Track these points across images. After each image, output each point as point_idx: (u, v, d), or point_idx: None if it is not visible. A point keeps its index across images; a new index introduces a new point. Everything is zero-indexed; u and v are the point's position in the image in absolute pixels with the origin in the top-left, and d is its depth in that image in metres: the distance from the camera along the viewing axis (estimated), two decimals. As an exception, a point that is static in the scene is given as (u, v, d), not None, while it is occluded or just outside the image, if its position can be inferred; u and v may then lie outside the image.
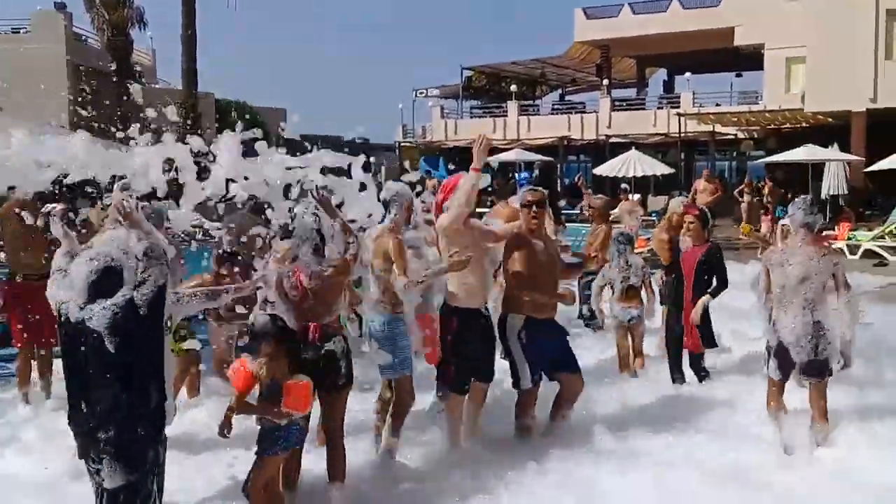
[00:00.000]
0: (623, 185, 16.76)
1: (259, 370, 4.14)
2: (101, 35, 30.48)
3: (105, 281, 3.55)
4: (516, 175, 10.39)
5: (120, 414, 3.49)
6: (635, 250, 8.07)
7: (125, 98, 25.85)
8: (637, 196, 26.83)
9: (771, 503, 4.58)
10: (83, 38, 31.69)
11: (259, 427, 4.24)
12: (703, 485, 4.68)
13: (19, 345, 6.72)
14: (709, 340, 6.68)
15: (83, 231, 6.09)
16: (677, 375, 6.81)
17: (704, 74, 38.19)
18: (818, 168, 23.29)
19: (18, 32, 30.22)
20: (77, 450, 3.64)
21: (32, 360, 6.76)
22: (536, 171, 33.10)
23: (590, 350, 7.79)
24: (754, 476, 4.84)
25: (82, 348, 3.51)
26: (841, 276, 5.20)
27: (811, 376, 5.25)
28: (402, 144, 41.05)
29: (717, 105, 32.83)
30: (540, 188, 5.74)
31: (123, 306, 3.51)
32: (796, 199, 5.44)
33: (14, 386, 6.83)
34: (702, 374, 6.76)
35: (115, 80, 29.01)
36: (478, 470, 4.96)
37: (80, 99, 20.42)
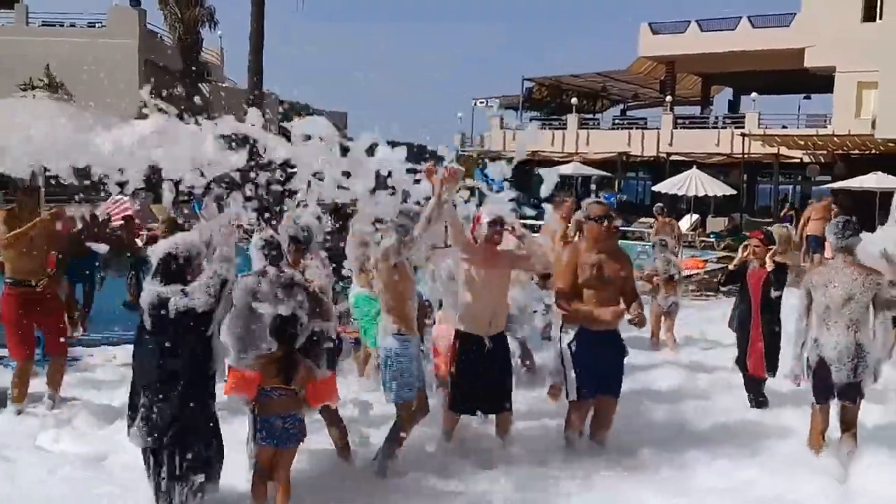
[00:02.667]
0: (658, 205, 16.64)
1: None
2: (173, 32, 31.29)
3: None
4: (602, 196, 10.35)
5: None
6: (689, 271, 8.18)
7: (194, 97, 26.43)
8: (696, 216, 26.45)
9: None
10: (157, 35, 32.62)
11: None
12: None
13: (17, 358, 6.36)
14: (773, 367, 6.50)
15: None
16: (756, 398, 6.62)
17: (771, 95, 37.42)
18: (886, 196, 22.58)
19: (94, 27, 31.23)
20: None
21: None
22: (593, 186, 32.92)
23: (647, 372, 7.65)
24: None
25: None
26: (882, 295, 5.26)
27: (847, 399, 5.27)
28: (461, 153, 41.09)
29: (784, 127, 32.13)
30: (602, 201, 5.73)
31: None
32: (830, 224, 5.52)
33: None
34: (761, 399, 6.58)
35: (184, 77, 29.68)
36: (519, 483, 4.91)
37: (151, 94, 20.92)
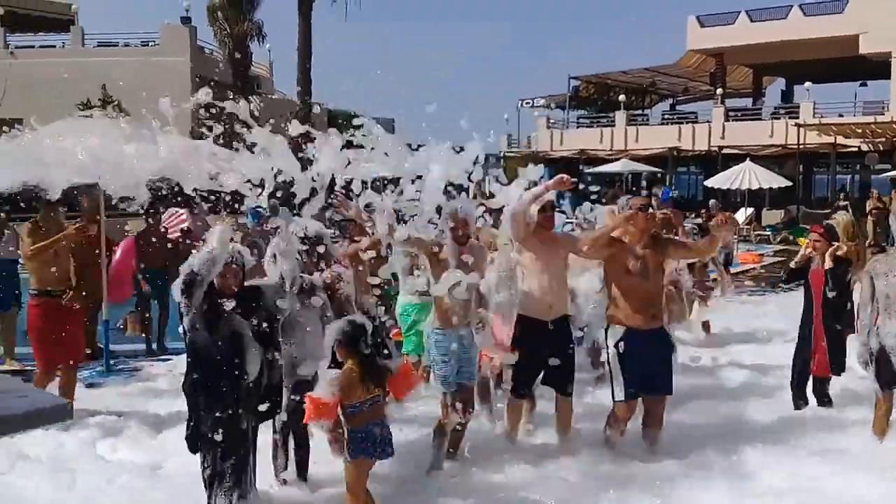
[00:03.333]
0: (712, 201, 16.28)
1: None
2: (223, 48, 31.95)
3: None
4: (655, 191, 10.24)
5: None
6: (745, 266, 8.00)
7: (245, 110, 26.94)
8: (751, 210, 25.93)
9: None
10: (208, 51, 33.37)
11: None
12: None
13: (40, 367, 6.51)
14: (838, 366, 6.30)
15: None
16: (800, 400, 6.46)
17: (826, 84, 36.51)
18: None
19: (147, 45, 32.10)
20: None
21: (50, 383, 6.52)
22: (644, 183, 32.54)
23: (703, 370, 7.56)
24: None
25: None
26: None
27: None
28: (507, 154, 41.08)
29: (840, 116, 31.30)
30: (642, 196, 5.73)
31: None
32: (894, 212, 5.46)
33: None
34: (825, 399, 6.39)
35: (235, 91, 30.28)
36: (564, 479, 4.93)
37: (202, 110, 21.42)
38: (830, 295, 6.13)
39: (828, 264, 6.14)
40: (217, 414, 4.08)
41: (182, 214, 12.04)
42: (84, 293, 6.81)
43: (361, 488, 4.15)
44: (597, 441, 5.52)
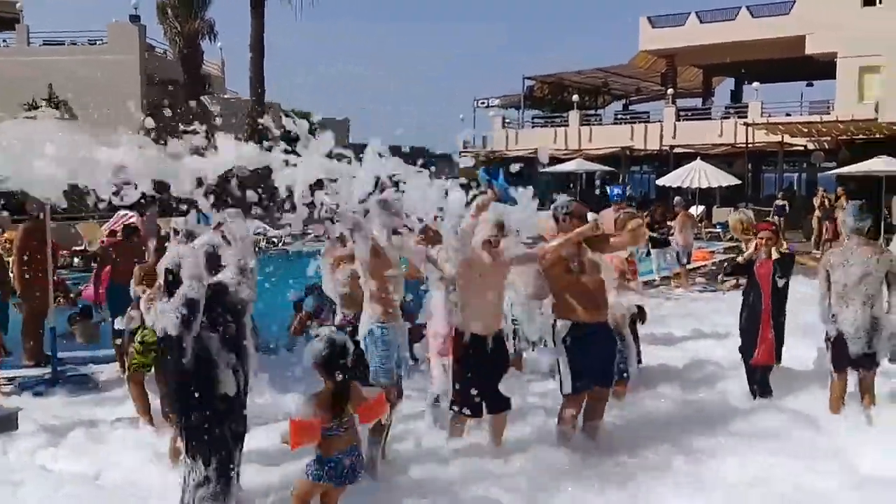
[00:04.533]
0: (677, 198, 16.50)
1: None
2: (174, 46, 31.42)
3: None
4: (608, 189, 10.31)
5: None
6: (697, 263, 8.02)
7: (196, 108, 26.58)
8: (702, 208, 26.37)
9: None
10: (156, 49, 32.74)
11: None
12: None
13: None
14: (778, 356, 6.71)
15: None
16: (763, 387, 6.65)
17: (773, 84, 37.31)
18: (892, 180, 22.52)
19: (95, 44, 31.38)
20: None
21: None
22: (598, 182, 32.88)
23: (655, 364, 7.65)
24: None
25: None
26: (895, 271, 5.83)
27: (863, 367, 5.94)
28: (463, 154, 41.12)
29: (787, 115, 32.02)
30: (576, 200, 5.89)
31: None
32: (847, 206, 6.13)
33: None
34: (765, 388, 6.62)
35: (185, 90, 29.80)
36: (514, 481, 4.92)
37: (150, 110, 21.12)
38: (780, 283, 6.53)
39: (775, 255, 6.55)
40: (205, 423, 4.02)
41: (131, 216, 11.83)
42: (29, 298, 6.64)
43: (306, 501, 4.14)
44: (547, 437, 5.56)
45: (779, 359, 6.74)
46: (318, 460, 4.06)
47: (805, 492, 4.76)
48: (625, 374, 6.61)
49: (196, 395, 4.02)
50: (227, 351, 4.07)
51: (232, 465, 4.14)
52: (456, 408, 5.43)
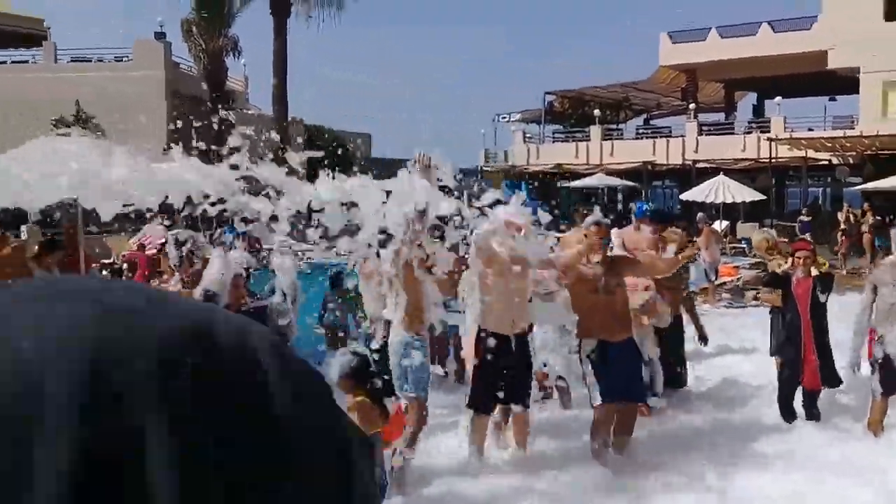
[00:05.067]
0: (700, 214, 16.37)
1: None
2: (198, 63, 31.77)
3: None
4: (633, 204, 10.31)
5: None
6: (724, 279, 7.96)
7: (221, 125, 26.88)
8: (726, 223, 26.21)
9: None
10: (181, 66, 33.16)
11: None
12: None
13: None
14: (831, 378, 6.44)
15: None
16: (789, 414, 6.51)
17: (796, 98, 37.11)
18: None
19: (121, 61, 31.84)
20: None
21: None
22: (620, 197, 32.78)
23: (690, 385, 7.60)
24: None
25: None
26: None
27: None
28: (485, 169, 41.21)
29: (810, 130, 31.80)
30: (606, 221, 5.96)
31: None
32: None
33: None
34: (814, 412, 6.45)
35: (210, 106, 30.13)
36: (543, 496, 4.90)
37: (177, 125, 21.40)
38: (822, 297, 6.36)
39: (815, 272, 6.44)
40: None
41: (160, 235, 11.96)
42: None
43: None
44: (577, 452, 5.55)
45: (838, 381, 6.47)
46: None
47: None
48: (652, 391, 6.61)
49: None
50: None
51: None
52: (473, 407, 5.46)
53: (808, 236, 20.91)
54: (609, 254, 5.84)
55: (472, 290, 5.58)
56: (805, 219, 24.31)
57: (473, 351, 5.53)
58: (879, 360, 5.84)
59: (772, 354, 7.43)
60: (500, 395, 5.46)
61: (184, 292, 5.59)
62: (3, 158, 6.86)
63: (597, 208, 6.05)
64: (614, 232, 9.66)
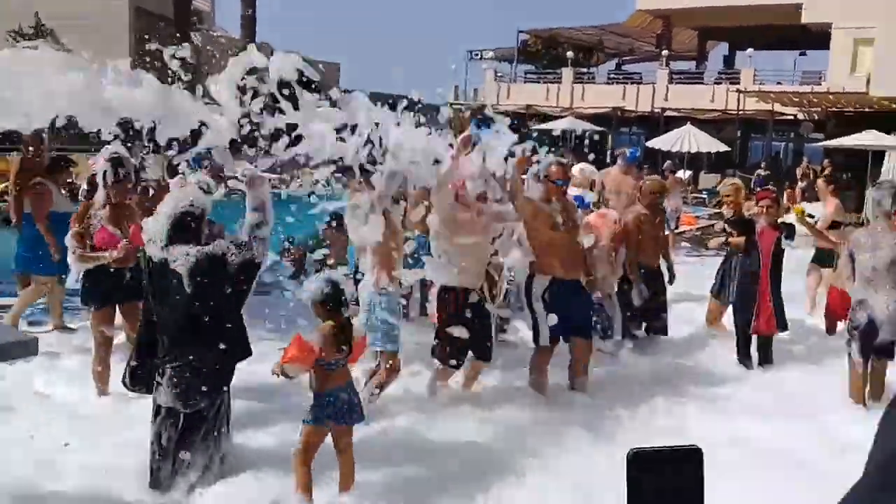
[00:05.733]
0: (667, 163, 16.56)
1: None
2: (163, -22, 30.68)
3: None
4: (626, 151, 10.30)
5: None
6: (684, 228, 8.16)
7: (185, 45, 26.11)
8: (689, 173, 26.48)
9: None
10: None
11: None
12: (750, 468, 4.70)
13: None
14: (783, 323, 6.73)
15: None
16: (746, 359, 6.73)
17: (767, 51, 37.20)
18: (878, 155, 22.71)
19: (83, -27, 30.60)
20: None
21: None
22: (587, 141, 32.82)
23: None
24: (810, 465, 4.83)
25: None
26: None
27: (885, 355, 5.75)
28: (453, 106, 40.78)
29: (779, 83, 32.01)
30: (564, 161, 6.06)
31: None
32: (880, 185, 5.88)
33: None
34: (769, 357, 6.72)
35: (175, 25, 29.22)
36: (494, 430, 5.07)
37: (140, 44, 20.75)
38: (787, 244, 6.55)
39: (790, 219, 6.69)
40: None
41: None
42: None
43: (311, 454, 4.02)
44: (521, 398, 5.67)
45: (784, 326, 6.74)
46: (315, 399, 4.00)
47: (785, 455, 4.90)
48: (608, 334, 6.80)
49: (200, 334, 4.08)
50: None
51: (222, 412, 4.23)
52: (439, 361, 5.55)
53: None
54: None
55: (437, 238, 5.50)
56: (762, 173, 24.65)
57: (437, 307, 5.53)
58: (859, 327, 5.66)
59: (716, 296, 7.75)
60: (467, 350, 5.51)
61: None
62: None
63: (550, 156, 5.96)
64: (599, 172, 9.72)
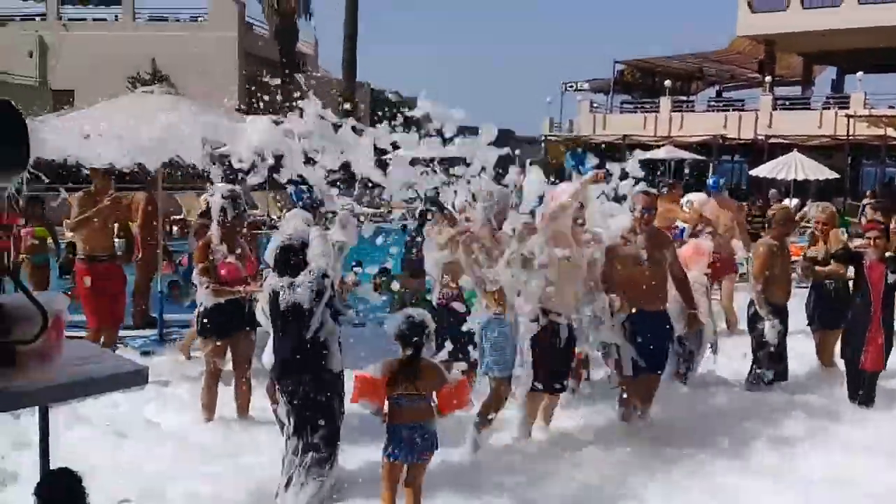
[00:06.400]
0: (772, 191, 16.02)
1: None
2: (270, 24, 32.20)
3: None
4: (707, 180, 10.15)
5: None
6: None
7: (290, 86, 27.26)
8: (796, 201, 25.52)
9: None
10: (254, 27, 33.64)
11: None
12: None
13: (92, 325, 6.99)
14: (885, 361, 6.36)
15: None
16: (869, 393, 6.39)
17: (878, 74, 35.65)
18: None
19: (196, 20, 32.47)
20: None
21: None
22: (687, 170, 32.15)
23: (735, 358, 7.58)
24: None
25: None
26: None
27: None
28: (548, 138, 40.88)
29: (891, 107, 30.57)
30: (654, 191, 5.90)
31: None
32: None
33: None
34: (871, 394, 6.35)
35: (281, 68, 30.56)
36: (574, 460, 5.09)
37: (249, 86, 21.78)
38: (892, 279, 6.18)
39: (888, 256, 6.25)
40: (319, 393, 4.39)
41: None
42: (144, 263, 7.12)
43: (388, 487, 4.19)
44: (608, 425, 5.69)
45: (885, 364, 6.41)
46: (387, 432, 4.20)
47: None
48: (690, 367, 6.72)
49: (311, 365, 4.32)
50: (336, 325, 4.40)
51: (338, 436, 4.43)
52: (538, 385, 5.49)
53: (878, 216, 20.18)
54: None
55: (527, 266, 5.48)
56: (868, 201, 23.41)
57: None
58: None
59: (812, 326, 7.43)
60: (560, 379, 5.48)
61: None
62: (96, 111, 7.21)
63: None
64: (697, 198, 9.43)
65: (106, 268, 7.05)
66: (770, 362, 6.68)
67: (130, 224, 8.33)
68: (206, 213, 6.58)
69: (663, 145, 32.42)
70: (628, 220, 5.65)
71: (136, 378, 2.88)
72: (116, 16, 33.41)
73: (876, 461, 5.12)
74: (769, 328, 6.55)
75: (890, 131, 27.16)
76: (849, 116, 27.66)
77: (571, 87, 43.15)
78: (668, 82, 37.22)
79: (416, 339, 4.19)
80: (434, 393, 4.24)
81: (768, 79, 34.69)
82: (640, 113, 37.76)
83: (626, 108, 40.18)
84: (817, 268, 7.04)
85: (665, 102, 36.31)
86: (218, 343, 5.78)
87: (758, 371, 6.72)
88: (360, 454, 4.89)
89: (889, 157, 30.59)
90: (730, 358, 7.25)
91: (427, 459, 4.23)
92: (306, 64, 34.55)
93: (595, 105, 39.71)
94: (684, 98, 39.74)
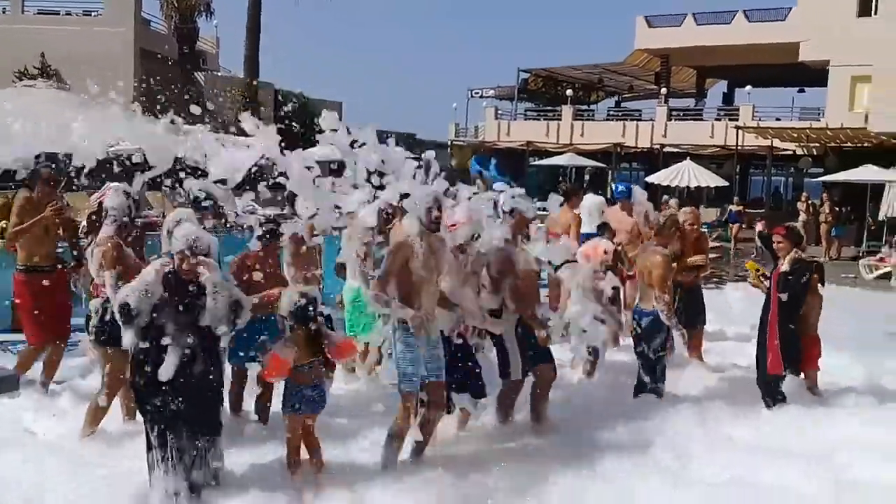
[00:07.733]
0: (664, 197, 16.60)
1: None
2: (169, 21, 31.21)
3: None
4: (613, 186, 10.17)
5: None
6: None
7: (190, 85, 26.50)
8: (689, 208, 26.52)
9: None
10: (152, 24, 32.47)
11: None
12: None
13: (32, 341, 6.46)
14: (790, 365, 6.29)
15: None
16: (773, 395, 6.39)
17: (766, 88, 37.55)
18: (876, 189, 22.80)
19: (90, 14, 31.09)
20: None
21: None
22: (587, 177, 33.00)
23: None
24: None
25: None
26: None
27: None
28: (455, 143, 41.23)
29: (778, 119, 32.29)
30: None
31: None
32: None
33: None
34: (778, 397, 6.33)
35: (180, 66, 29.67)
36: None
37: (144, 84, 21.00)
38: (783, 297, 6.18)
39: (784, 268, 6.24)
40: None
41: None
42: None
43: (294, 440, 4.74)
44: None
45: (792, 367, 6.32)
46: (285, 393, 4.75)
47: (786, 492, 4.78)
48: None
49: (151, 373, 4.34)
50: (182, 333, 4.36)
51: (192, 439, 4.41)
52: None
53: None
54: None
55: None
56: (734, 208, 24.51)
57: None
58: None
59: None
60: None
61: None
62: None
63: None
64: (607, 211, 9.39)
65: (49, 278, 6.41)
66: (662, 373, 6.53)
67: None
68: (97, 213, 6.20)
69: (565, 152, 33.23)
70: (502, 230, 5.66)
71: (5, 385, 2.72)
72: (4, 8, 31.65)
73: (765, 460, 5.23)
74: (678, 337, 6.47)
75: (776, 142, 28.63)
76: (738, 128, 29.00)
77: (477, 93, 43.67)
78: (570, 91, 38.17)
79: (311, 314, 4.67)
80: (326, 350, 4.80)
81: (664, 90, 36.03)
82: (542, 120, 38.55)
83: (530, 116, 40.96)
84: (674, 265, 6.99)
85: (567, 111, 37.20)
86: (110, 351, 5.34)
87: (652, 386, 6.48)
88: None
89: (774, 166, 32.22)
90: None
91: (321, 410, 4.83)
92: (207, 62, 33.61)
93: (500, 112, 40.28)
94: (585, 107, 40.83)
